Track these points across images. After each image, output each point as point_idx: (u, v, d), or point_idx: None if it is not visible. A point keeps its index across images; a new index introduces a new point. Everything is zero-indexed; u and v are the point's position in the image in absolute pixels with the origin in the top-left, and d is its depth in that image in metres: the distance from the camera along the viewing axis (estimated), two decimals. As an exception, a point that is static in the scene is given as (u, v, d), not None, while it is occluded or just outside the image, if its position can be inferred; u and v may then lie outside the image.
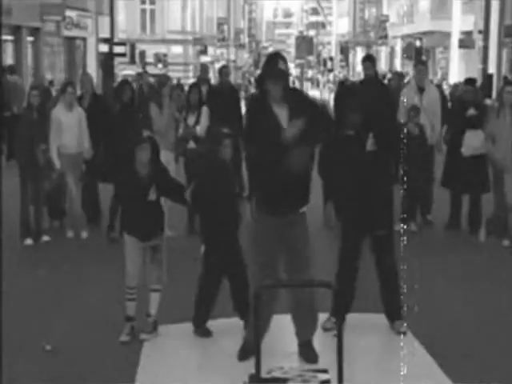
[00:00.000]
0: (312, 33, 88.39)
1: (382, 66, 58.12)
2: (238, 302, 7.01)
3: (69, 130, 10.68)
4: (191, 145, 10.99)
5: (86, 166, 10.95)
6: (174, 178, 7.37)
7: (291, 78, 37.33)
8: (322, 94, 45.29)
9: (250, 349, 6.23)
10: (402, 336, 6.97)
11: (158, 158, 7.00)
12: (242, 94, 39.29)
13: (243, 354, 6.37)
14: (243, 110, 13.15)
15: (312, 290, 6.37)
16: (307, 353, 6.39)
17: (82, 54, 36.80)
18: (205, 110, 11.13)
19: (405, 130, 10.85)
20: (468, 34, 38.97)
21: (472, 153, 10.83)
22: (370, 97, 7.85)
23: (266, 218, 6.21)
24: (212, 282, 6.96)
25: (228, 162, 6.94)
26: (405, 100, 11.69)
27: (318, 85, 56.58)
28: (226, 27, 67.39)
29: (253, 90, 45.88)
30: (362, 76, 14.30)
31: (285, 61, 6.23)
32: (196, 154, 10.54)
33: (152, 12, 54.62)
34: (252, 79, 58.15)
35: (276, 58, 6.28)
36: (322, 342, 6.61)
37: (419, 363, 6.46)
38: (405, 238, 7.64)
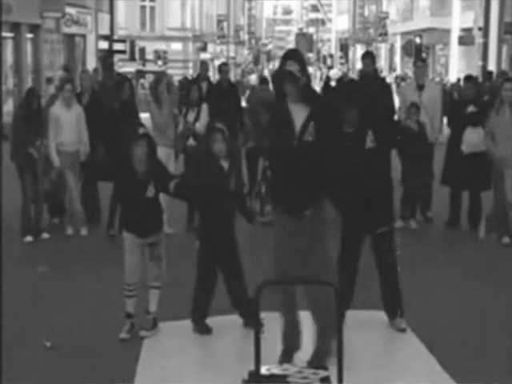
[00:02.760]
0: (312, 30, 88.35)
1: (382, 62, 58.15)
2: (235, 299, 7.01)
3: (67, 127, 10.67)
4: (191, 142, 10.99)
5: (83, 164, 10.90)
6: (173, 174, 7.35)
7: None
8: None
9: (291, 349, 6.21)
10: (401, 333, 6.97)
11: (155, 155, 6.99)
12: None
13: (286, 358, 6.21)
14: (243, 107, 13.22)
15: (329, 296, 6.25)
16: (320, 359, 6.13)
17: (82, 51, 36.78)
18: (204, 107, 11.14)
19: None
20: (468, 30, 39.00)
21: (472, 150, 10.83)
22: (369, 93, 7.83)
23: (283, 219, 6.13)
24: (207, 277, 6.96)
25: (221, 157, 6.93)
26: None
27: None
28: (225, 24, 67.40)
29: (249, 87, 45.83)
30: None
31: (296, 59, 6.07)
32: (195, 151, 10.57)
33: (152, 9, 54.65)
34: (253, 77, 58.10)
35: (285, 58, 6.16)
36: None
37: (419, 360, 6.46)
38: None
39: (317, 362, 5.94)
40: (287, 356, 6.24)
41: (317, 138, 5.96)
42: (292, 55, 6.19)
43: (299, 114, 6.01)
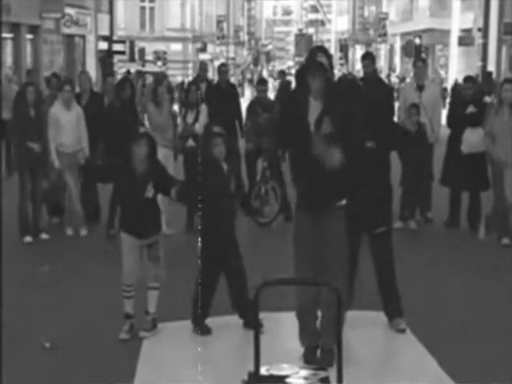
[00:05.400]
0: (311, 30, 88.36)
1: (382, 63, 58.14)
2: (236, 300, 7.02)
3: (67, 128, 10.67)
4: (190, 142, 10.99)
5: (82, 169, 10.89)
6: (172, 176, 7.36)
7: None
8: None
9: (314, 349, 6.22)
10: (401, 333, 6.97)
11: (155, 155, 6.99)
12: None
13: (309, 356, 6.23)
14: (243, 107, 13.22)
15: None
16: (325, 358, 6.13)
17: (82, 51, 36.81)
18: (203, 107, 11.14)
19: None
20: (467, 31, 39.03)
21: (471, 150, 10.83)
22: (369, 94, 7.83)
23: (302, 214, 6.17)
24: (208, 278, 6.96)
25: (221, 160, 6.96)
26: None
27: None
28: (225, 25, 67.43)
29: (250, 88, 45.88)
30: (361, 74, 14.32)
31: (326, 53, 6.12)
32: (194, 152, 10.57)
33: (151, 9, 54.70)
34: (252, 76, 58.07)
35: (315, 50, 6.19)
36: (321, 339, 6.60)
37: (418, 361, 6.45)
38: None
39: (325, 361, 5.95)
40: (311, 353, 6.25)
41: (334, 131, 5.96)
42: (322, 49, 6.25)
43: (314, 110, 6.02)
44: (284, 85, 21.58)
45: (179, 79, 40.03)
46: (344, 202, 6.18)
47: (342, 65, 61.97)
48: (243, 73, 66.27)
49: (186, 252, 8.92)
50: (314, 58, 6.06)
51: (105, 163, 10.19)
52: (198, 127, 10.92)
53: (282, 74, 24.87)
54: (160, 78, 11.72)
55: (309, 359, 6.10)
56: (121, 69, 37.66)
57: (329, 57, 6.17)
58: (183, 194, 6.96)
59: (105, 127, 10.91)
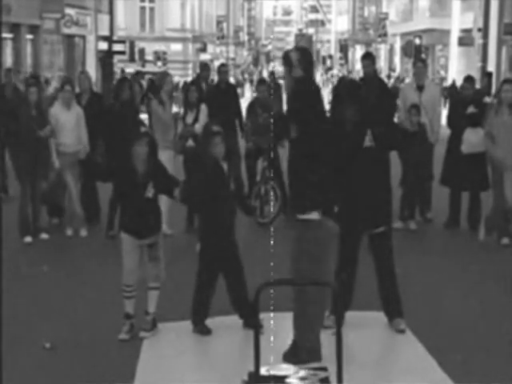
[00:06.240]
0: (311, 31, 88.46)
1: (382, 63, 58.17)
2: (235, 300, 7.02)
3: (67, 128, 10.67)
4: (190, 143, 10.99)
5: (82, 165, 10.89)
6: (172, 176, 7.36)
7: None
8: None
9: (298, 350, 6.23)
10: (401, 334, 6.97)
11: (156, 155, 6.99)
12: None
13: (289, 357, 6.24)
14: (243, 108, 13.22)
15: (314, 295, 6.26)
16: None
17: (82, 51, 36.82)
18: (203, 107, 11.13)
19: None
20: (467, 31, 39.02)
21: (471, 150, 10.83)
22: (369, 93, 7.83)
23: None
24: (208, 279, 6.97)
25: (220, 159, 6.96)
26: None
27: None
28: (225, 25, 67.46)
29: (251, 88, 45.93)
30: (361, 74, 14.32)
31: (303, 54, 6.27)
32: (194, 153, 10.56)
33: (151, 10, 54.71)
34: (252, 77, 58.07)
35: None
36: (321, 339, 6.60)
37: (418, 361, 6.46)
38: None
39: (291, 356, 6.04)
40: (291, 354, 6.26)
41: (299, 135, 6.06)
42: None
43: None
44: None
45: (177, 79, 40.02)
46: (307, 215, 6.13)
47: (341, 65, 62.00)
48: (243, 73, 66.27)
49: (186, 252, 8.92)
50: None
51: (105, 162, 10.19)
52: (198, 127, 10.91)
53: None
54: (163, 77, 11.66)
55: (287, 359, 6.13)
56: (127, 69, 37.56)
57: (309, 56, 6.31)
58: (187, 195, 6.96)
59: (105, 127, 10.91)
